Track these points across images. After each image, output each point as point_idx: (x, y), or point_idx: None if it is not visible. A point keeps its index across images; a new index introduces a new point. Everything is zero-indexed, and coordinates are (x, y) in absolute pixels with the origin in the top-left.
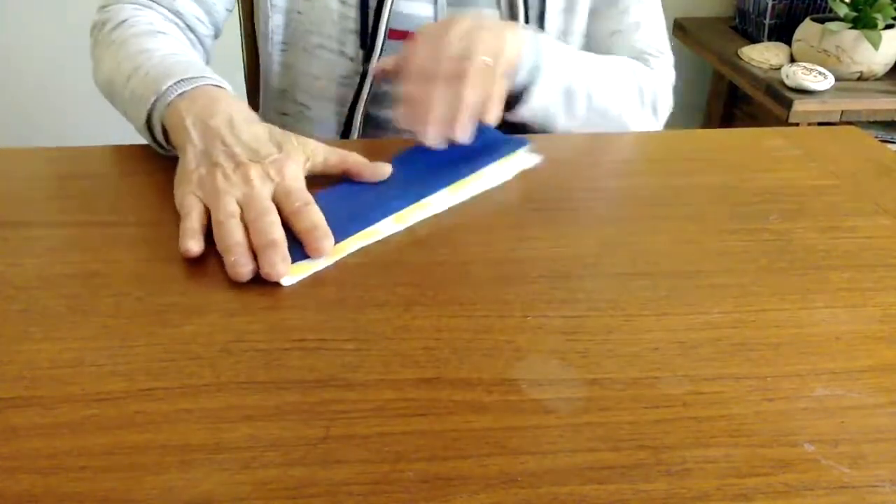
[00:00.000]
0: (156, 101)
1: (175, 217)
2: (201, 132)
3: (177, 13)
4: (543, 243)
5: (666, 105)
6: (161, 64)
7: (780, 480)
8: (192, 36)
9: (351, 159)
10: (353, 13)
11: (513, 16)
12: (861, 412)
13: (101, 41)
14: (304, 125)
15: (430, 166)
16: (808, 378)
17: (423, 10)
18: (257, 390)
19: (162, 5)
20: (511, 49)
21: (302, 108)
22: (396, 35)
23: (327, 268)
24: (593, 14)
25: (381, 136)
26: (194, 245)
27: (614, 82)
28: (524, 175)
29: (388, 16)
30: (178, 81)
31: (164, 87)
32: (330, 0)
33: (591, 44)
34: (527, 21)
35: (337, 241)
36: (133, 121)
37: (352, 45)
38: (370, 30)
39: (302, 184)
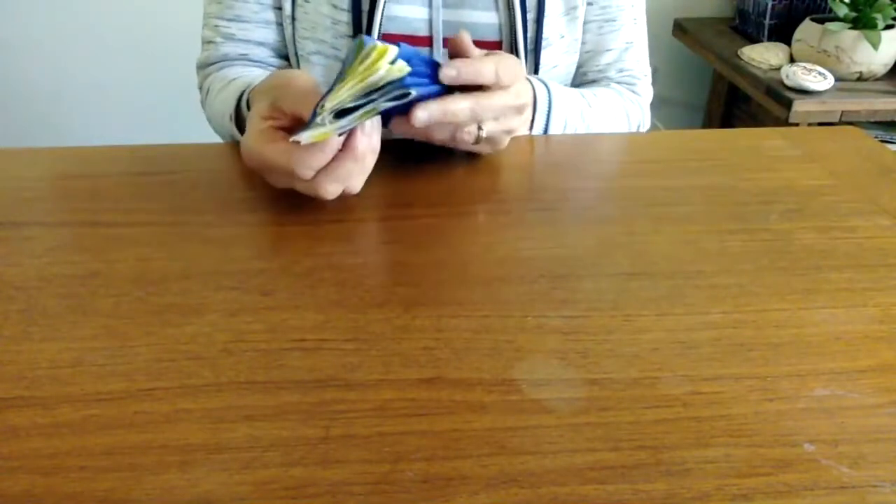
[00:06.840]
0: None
1: (173, 218)
2: None
3: (250, 60)
4: (543, 243)
5: (645, 128)
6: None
7: (780, 480)
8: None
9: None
10: (345, 17)
11: (511, 18)
12: (861, 412)
13: (207, 101)
14: None
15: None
16: (808, 378)
17: (417, 13)
18: (257, 390)
19: (237, 61)
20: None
21: None
22: (390, 38)
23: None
24: (588, 27)
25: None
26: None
27: (610, 127)
28: (525, 175)
29: (381, 20)
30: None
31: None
32: (322, 5)
33: (583, 56)
34: (524, 24)
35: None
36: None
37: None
38: (364, 34)
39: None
